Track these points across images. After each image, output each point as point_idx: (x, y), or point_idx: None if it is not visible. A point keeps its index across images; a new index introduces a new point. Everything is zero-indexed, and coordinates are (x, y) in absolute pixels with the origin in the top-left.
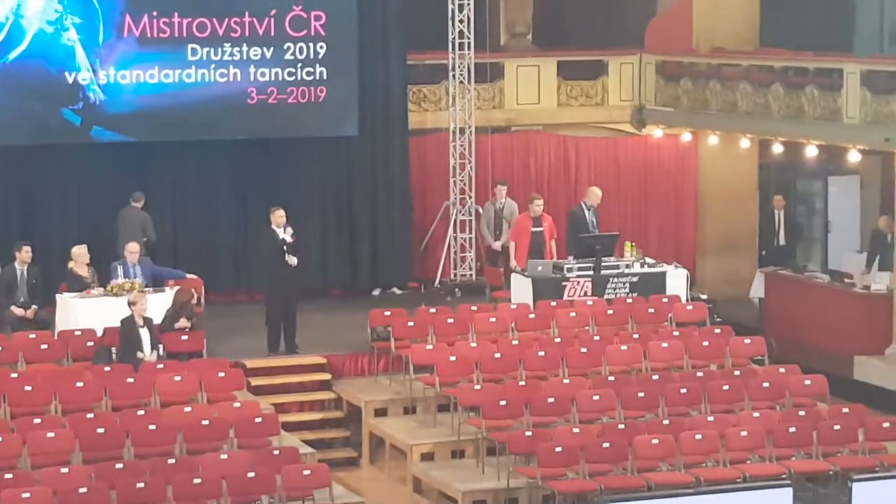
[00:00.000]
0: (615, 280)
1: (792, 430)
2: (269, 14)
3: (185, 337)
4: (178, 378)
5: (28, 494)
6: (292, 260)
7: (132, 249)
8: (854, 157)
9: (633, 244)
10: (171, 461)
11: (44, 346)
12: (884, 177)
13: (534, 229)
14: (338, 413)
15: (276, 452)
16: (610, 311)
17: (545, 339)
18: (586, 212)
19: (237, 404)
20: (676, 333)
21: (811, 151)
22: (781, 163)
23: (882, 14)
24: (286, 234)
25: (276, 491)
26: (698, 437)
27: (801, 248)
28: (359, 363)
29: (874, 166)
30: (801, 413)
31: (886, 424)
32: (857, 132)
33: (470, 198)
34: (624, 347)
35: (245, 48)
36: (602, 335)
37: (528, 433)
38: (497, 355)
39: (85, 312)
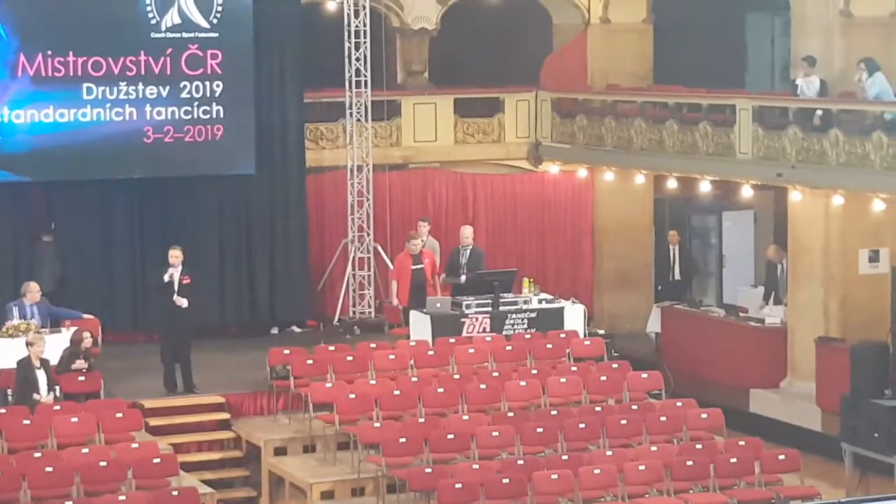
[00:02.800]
0: (513, 316)
1: (689, 463)
2: (165, 53)
3: (81, 378)
4: (75, 419)
5: None
6: (181, 301)
7: (33, 289)
8: (747, 192)
9: (531, 280)
10: (69, 503)
11: None
12: (777, 211)
13: (414, 267)
14: (237, 452)
15: (175, 493)
16: (508, 347)
17: (444, 376)
18: (461, 251)
19: (135, 445)
20: (574, 369)
21: (705, 187)
22: (676, 198)
23: (773, 51)
24: (175, 274)
25: None
26: (597, 471)
27: (696, 283)
28: (258, 402)
29: (767, 201)
30: (698, 446)
31: (782, 457)
32: (750, 168)
33: (368, 235)
34: (523, 383)
35: (141, 87)
36: (501, 371)
37: (428, 470)
38: (396, 392)
39: None
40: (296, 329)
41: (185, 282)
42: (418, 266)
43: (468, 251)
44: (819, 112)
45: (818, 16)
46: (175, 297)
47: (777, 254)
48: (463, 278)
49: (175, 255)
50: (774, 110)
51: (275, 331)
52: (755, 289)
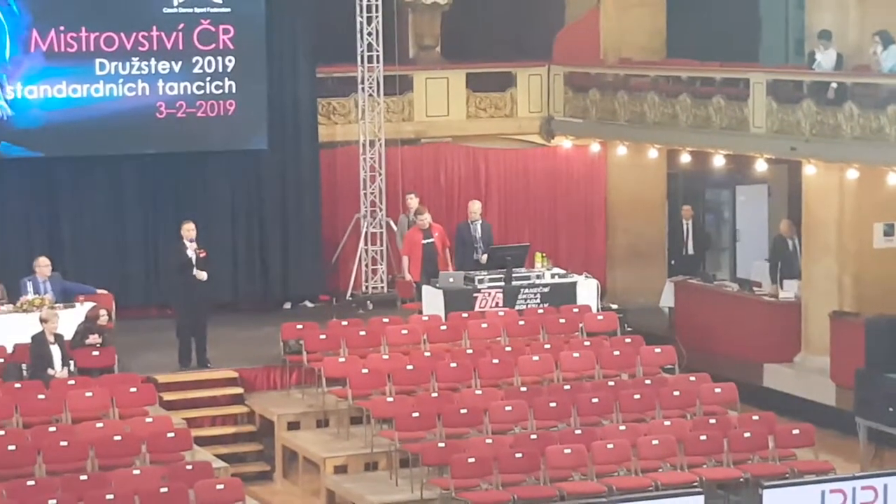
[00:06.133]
0: (526, 291)
1: (703, 438)
2: (178, 28)
3: (96, 353)
4: (89, 394)
5: None
6: (201, 275)
7: (42, 264)
8: (761, 166)
9: (544, 255)
10: (84, 477)
11: None
12: (790, 185)
13: (425, 241)
14: (250, 427)
15: (189, 467)
16: (521, 322)
17: (457, 351)
18: (470, 225)
19: (149, 419)
20: (587, 343)
21: (719, 161)
22: (689, 172)
23: (787, 23)
24: (192, 249)
25: None
26: (610, 446)
27: (709, 257)
28: (271, 377)
29: (781, 175)
30: (712, 421)
31: (796, 431)
32: (764, 141)
33: (380, 210)
34: (535, 358)
35: (153, 62)
36: (514, 346)
37: (441, 444)
38: (409, 367)
39: None
40: (308, 304)
41: (201, 255)
42: (429, 240)
43: (478, 225)
44: (833, 85)
45: None
46: (195, 270)
47: (790, 229)
48: (485, 257)
49: (190, 229)
50: (788, 84)
51: (287, 305)
52: (769, 263)
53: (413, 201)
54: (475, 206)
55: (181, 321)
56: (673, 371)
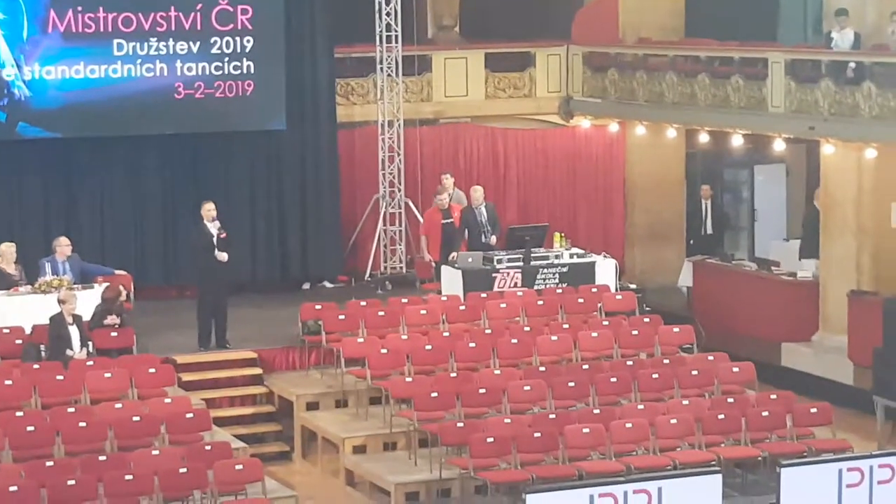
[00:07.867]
0: (545, 271)
1: (721, 417)
2: (195, 8)
3: (114, 333)
4: (108, 375)
5: None
6: (222, 256)
7: (63, 244)
8: (779, 145)
9: (563, 235)
10: (103, 458)
11: None
12: (809, 165)
13: (444, 221)
14: (269, 407)
15: (208, 448)
16: (540, 302)
17: (476, 331)
18: (475, 210)
19: (168, 400)
20: (606, 323)
21: (737, 141)
22: (708, 152)
23: (805, 3)
24: (215, 229)
25: (208, 486)
26: (628, 425)
27: (728, 237)
28: (290, 357)
29: (799, 155)
30: (730, 400)
31: (814, 410)
32: (782, 121)
33: (399, 190)
34: (554, 338)
35: (171, 43)
36: (532, 326)
37: (460, 424)
38: (428, 347)
39: (13, 310)
40: (327, 284)
41: (222, 236)
42: (448, 220)
43: (483, 209)
44: (852, 65)
45: None
46: (216, 252)
47: None
48: (493, 239)
49: (210, 209)
50: (807, 63)
51: (306, 286)
52: (787, 242)
53: (448, 181)
54: (478, 194)
55: (202, 302)
56: (691, 350)
